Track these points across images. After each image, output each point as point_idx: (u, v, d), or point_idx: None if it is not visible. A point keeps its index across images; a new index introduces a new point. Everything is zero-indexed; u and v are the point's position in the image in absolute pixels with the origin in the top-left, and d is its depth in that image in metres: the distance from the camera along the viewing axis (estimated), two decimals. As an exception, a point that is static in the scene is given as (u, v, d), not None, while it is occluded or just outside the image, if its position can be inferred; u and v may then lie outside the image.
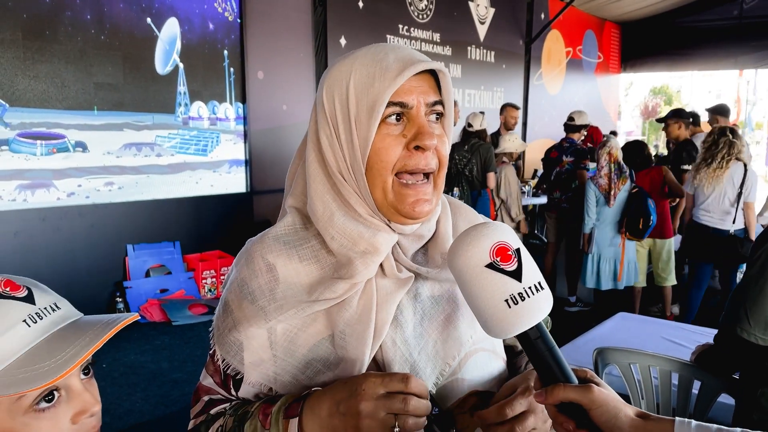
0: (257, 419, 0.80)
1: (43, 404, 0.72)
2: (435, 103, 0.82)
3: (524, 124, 9.90)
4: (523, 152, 7.00)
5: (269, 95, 5.80)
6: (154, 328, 4.55)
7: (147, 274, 4.92)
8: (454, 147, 5.08)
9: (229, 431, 0.84)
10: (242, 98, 5.59)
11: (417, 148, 0.80)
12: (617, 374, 1.90)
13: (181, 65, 5.11)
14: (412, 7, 7.49)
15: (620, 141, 5.20)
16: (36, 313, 0.73)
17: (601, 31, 11.65)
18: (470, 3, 8.50)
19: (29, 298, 0.73)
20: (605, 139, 4.55)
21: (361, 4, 6.75)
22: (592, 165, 5.48)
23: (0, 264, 4.00)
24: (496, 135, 5.62)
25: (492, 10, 8.92)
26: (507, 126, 5.87)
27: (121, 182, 4.81)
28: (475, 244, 0.72)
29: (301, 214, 0.90)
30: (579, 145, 5.36)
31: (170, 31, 5.02)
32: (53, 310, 0.74)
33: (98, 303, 4.73)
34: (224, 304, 0.90)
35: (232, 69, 5.49)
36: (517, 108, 5.96)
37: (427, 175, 0.83)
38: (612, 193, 4.31)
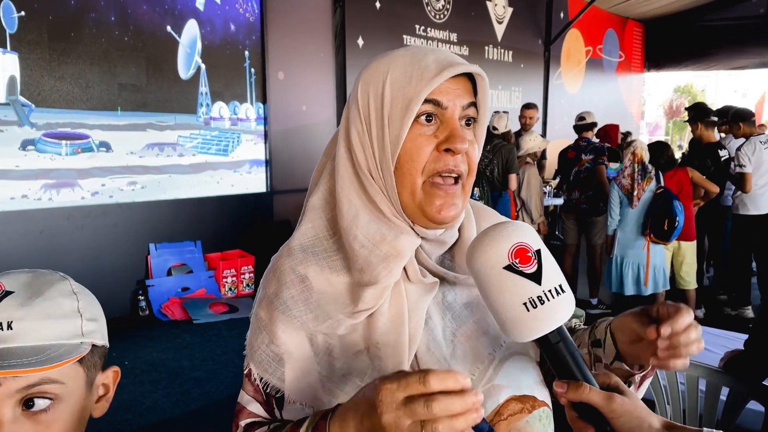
0: None
1: None
2: (470, 105, 0.81)
3: (544, 124, 9.83)
4: (545, 151, 6.96)
5: (289, 96, 5.83)
6: (175, 326, 4.60)
7: (169, 273, 4.97)
8: (476, 147, 5.08)
9: None
10: (263, 99, 5.63)
11: (447, 150, 0.79)
12: (642, 379, 1.87)
13: (203, 66, 5.16)
14: (429, 8, 7.47)
15: (643, 139, 5.11)
16: None
17: (623, 30, 11.51)
18: (488, 3, 8.46)
19: None
20: (630, 138, 4.48)
21: (378, 4, 6.76)
22: (614, 165, 5.42)
23: (25, 262, 4.08)
24: (516, 135, 5.59)
25: (510, 10, 8.87)
26: (525, 126, 5.83)
27: (143, 182, 4.87)
28: (493, 244, 0.70)
29: (324, 218, 0.88)
30: (597, 143, 5.32)
31: (191, 33, 5.06)
32: (0, 328, 0.70)
33: (121, 301, 4.79)
34: (256, 320, 0.88)
35: (252, 70, 5.53)
36: (535, 108, 5.91)
37: (456, 179, 0.82)
38: (635, 194, 4.24)
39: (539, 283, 0.68)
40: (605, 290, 4.91)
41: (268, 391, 0.86)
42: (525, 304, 0.67)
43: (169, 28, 4.90)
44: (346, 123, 0.85)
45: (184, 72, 5.05)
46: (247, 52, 5.47)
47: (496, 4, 8.58)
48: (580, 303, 5.17)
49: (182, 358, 3.96)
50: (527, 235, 0.72)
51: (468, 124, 0.83)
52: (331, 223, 0.87)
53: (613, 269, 4.39)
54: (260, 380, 0.86)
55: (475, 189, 4.82)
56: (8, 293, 0.72)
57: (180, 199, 5.11)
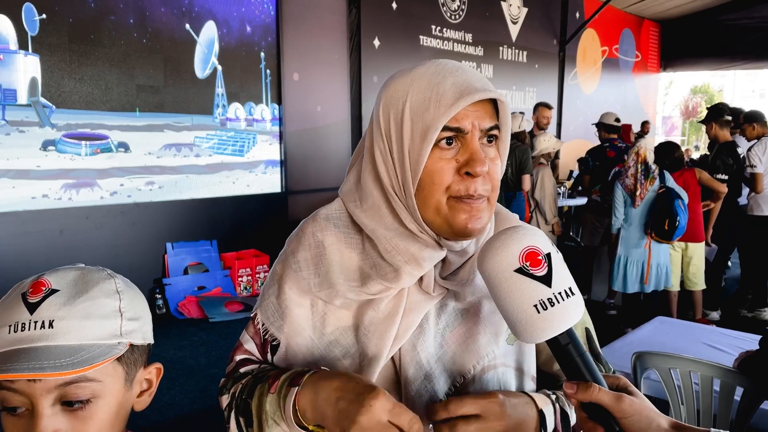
0: (267, 383, 0.83)
1: (7, 411, 0.74)
2: (491, 128, 0.82)
3: (559, 125, 9.79)
4: (558, 152, 6.92)
5: (304, 97, 5.87)
6: (192, 324, 4.65)
7: (185, 272, 5.03)
8: (490, 147, 5.06)
9: (247, 389, 0.87)
10: (278, 100, 5.67)
11: (468, 174, 0.80)
12: (656, 379, 1.87)
13: (219, 67, 5.22)
14: (444, 8, 7.48)
15: (658, 141, 5.04)
16: (21, 324, 0.73)
17: (639, 30, 11.43)
18: (503, 3, 8.44)
19: (32, 307, 0.74)
20: (637, 139, 4.45)
21: (394, 5, 6.78)
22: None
23: (46, 261, 4.15)
24: (530, 135, 5.56)
25: (525, 10, 8.85)
26: (540, 126, 5.81)
27: (161, 182, 4.94)
28: (504, 248, 0.72)
29: (351, 205, 0.91)
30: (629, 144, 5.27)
31: (208, 35, 5.12)
32: (42, 326, 0.73)
33: (138, 299, 4.85)
34: (272, 273, 0.94)
35: (268, 71, 5.57)
36: (549, 107, 5.87)
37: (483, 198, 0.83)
38: (638, 193, 4.23)
39: (549, 285, 0.70)
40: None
41: (266, 337, 0.92)
42: (536, 306, 0.69)
43: (188, 26, 4.96)
44: (371, 139, 0.86)
45: (201, 71, 5.11)
46: (262, 54, 5.52)
47: (510, 5, 8.56)
48: (597, 305, 5.15)
49: (199, 356, 4.01)
50: (537, 238, 0.73)
51: (490, 141, 0.83)
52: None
53: (617, 268, 4.39)
54: (262, 326, 0.92)
55: (489, 189, 4.83)
56: (54, 291, 0.75)
57: (196, 198, 5.17)
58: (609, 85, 10.89)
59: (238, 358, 0.96)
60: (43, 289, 0.75)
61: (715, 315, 5.03)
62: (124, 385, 0.80)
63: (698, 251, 4.49)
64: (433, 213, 0.82)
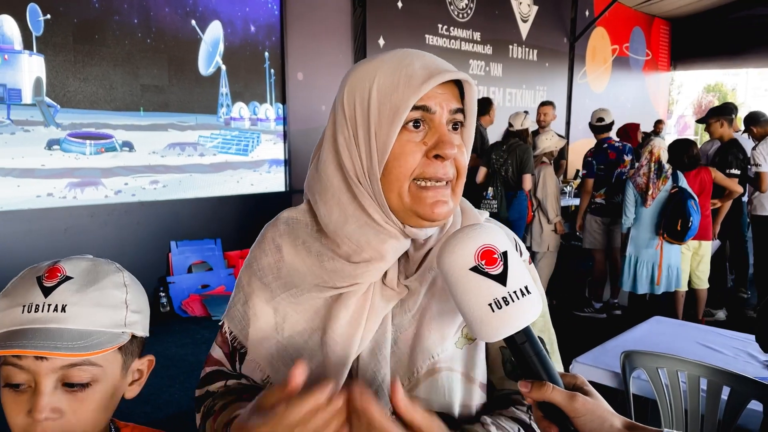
0: (212, 419, 0.87)
1: (9, 387, 0.78)
2: (457, 111, 0.82)
3: (567, 123, 9.73)
4: (565, 151, 6.87)
5: (308, 96, 5.88)
6: (194, 322, 4.69)
7: (189, 270, 5.07)
8: (493, 146, 5.02)
9: (204, 416, 0.90)
10: (282, 99, 5.70)
11: (437, 156, 0.79)
12: (645, 378, 1.86)
13: (223, 67, 5.25)
14: (452, 7, 7.46)
15: (671, 139, 4.96)
16: (35, 306, 0.77)
17: (650, 28, 11.33)
18: (512, 1, 8.41)
19: (47, 291, 0.78)
20: (649, 137, 4.39)
21: (400, 4, 6.77)
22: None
23: (50, 259, 4.19)
24: (534, 134, 5.52)
25: (535, 8, 8.81)
26: (540, 124, 5.76)
27: (165, 181, 4.98)
28: (460, 246, 0.71)
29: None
30: (629, 143, 5.20)
31: (213, 34, 5.15)
32: (55, 309, 0.77)
33: (143, 297, 4.90)
34: (238, 281, 0.95)
35: (272, 70, 5.60)
36: (549, 105, 5.83)
37: (446, 182, 0.83)
38: (650, 193, 4.19)
39: (504, 284, 0.69)
40: (622, 292, 4.86)
41: (234, 345, 0.93)
42: (490, 304, 0.69)
43: (193, 22, 4.99)
44: (333, 129, 0.85)
45: (204, 69, 5.14)
46: (267, 53, 5.54)
47: (520, 3, 8.52)
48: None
49: (200, 354, 4.03)
50: (495, 237, 0.72)
51: (455, 128, 0.83)
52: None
53: (626, 268, 4.34)
54: (229, 334, 0.93)
55: (489, 188, 4.79)
56: (68, 278, 0.80)
57: (200, 198, 5.20)
58: (619, 84, 10.80)
59: (208, 369, 0.97)
60: (59, 275, 0.80)
61: (721, 314, 4.97)
62: (121, 372, 0.85)
63: (709, 250, 4.46)
64: (397, 198, 0.81)
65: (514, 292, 0.69)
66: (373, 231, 0.82)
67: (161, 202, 4.96)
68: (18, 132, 4.16)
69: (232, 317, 0.93)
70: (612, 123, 5.03)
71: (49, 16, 4.20)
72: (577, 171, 8.00)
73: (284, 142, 5.77)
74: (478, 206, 4.39)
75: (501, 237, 0.73)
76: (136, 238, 4.82)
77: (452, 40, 7.52)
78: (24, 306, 0.77)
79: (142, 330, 0.87)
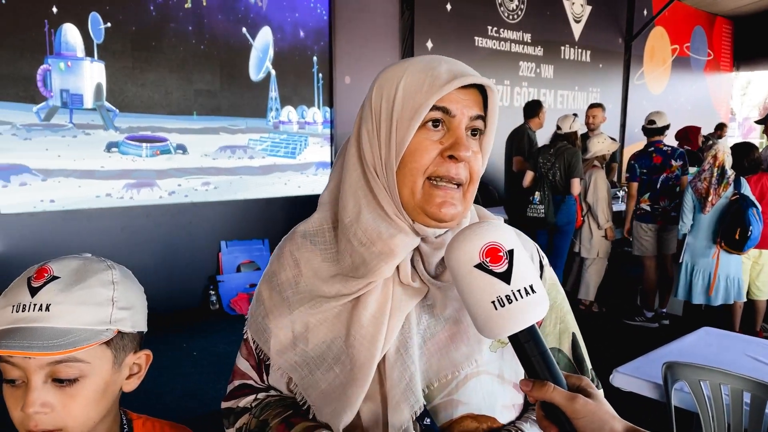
0: None
1: (7, 382, 0.82)
2: (477, 117, 0.83)
3: (623, 126, 9.46)
4: (618, 154, 6.66)
5: (355, 99, 5.94)
6: (242, 321, 4.74)
7: (238, 270, 5.20)
8: (540, 150, 4.93)
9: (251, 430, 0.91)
10: (329, 103, 5.78)
11: (451, 157, 0.81)
12: (687, 391, 1.79)
13: (273, 72, 5.37)
14: (502, 8, 7.39)
15: (733, 142, 4.73)
16: (22, 305, 0.80)
17: (711, 27, 10.88)
18: (565, 2, 8.25)
19: (34, 291, 0.82)
20: (712, 141, 4.22)
21: (449, 6, 6.76)
22: (692, 169, 5.11)
23: (107, 257, 4.38)
24: (585, 137, 5.39)
25: (588, 8, 8.61)
26: (590, 127, 5.61)
27: (216, 182, 5.13)
28: (466, 243, 0.72)
29: (331, 211, 0.93)
30: (682, 148, 5.00)
31: (263, 40, 5.28)
32: (40, 309, 0.79)
33: (194, 295, 5.07)
34: (258, 294, 0.97)
35: (320, 74, 5.69)
36: (599, 107, 5.67)
37: (457, 185, 0.84)
38: (710, 199, 4.02)
39: (508, 282, 0.69)
40: (675, 302, 4.68)
41: (260, 356, 0.95)
42: (493, 302, 0.69)
43: (244, 30, 5.13)
44: (359, 123, 0.88)
45: (255, 74, 5.27)
46: (315, 58, 5.63)
47: (573, 3, 8.36)
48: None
49: (246, 351, 4.13)
50: (501, 235, 0.73)
51: (474, 135, 0.85)
52: (336, 216, 0.92)
53: (682, 276, 4.18)
54: (254, 344, 0.95)
55: (536, 193, 4.70)
56: (55, 278, 0.83)
57: (250, 199, 5.34)
58: (679, 85, 10.42)
59: (237, 382, 1.00)
60: (45, 275, 0.83)
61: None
62: (112, 367, 0.87)
63: None
64: (409, 194, 0.82)
65: (518, 290, 0.69)
66: (385, 224, 0.84)
67: (212, 203, 5.12)
68: (79, 135, 4.38)
69: (255, 329, 0.94)
70: (665, 127, 4.83)
71: (109, 24, 4.41)
72: (625, 176, 7.77)
73: (331, 145, 5.85)
74: (524, 211, 4.28)
75: (508, 235, 0.74)
76: (188, 237, 4.98)
77: (502, 42, 7.44)
78: (13, 306, 0.81)
79: (131, 326, 0.88)
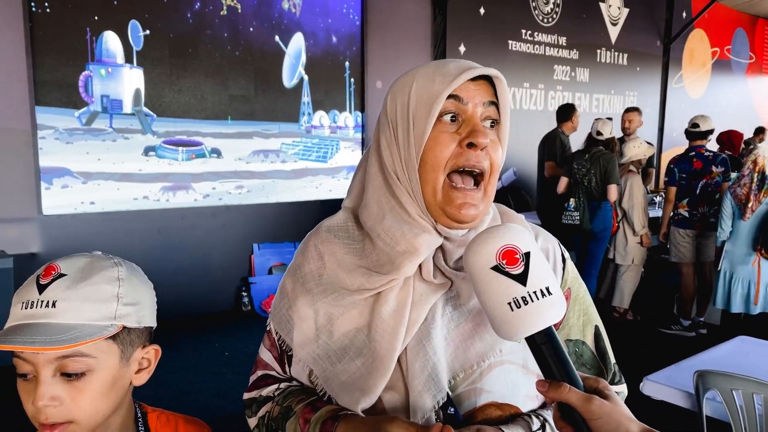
0: (298, 424, 0.89)
1: (20, 376, 0.85)
2: (490, 104, 0.85)
3: (660, 130, 9.26)
4: (656, 159, 6.52)
5: (387, 104, 5.97)
6: (273, 322, 4.86)
7: (269, 272, 5.27)
8: (574, 155, 4.85)
9: (274, 419, 0.93)
10: (361, 107, 5.82)
11: (470, 145, 0.83)
12: (720, 400, 1.75)
13: (305, 77, 5.44)
14: (536, 11, 7.32)
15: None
16: (31, 302, 0.83)
17: (753, 29, 10.57)
18: (601, 4, 8.13)
19: (41, 288, 0.84)
20: (752, 146, 4.10)
21: (482, 10, 6.73)
22: (733, 175, 4.97)
23: (144, 257, 4.51)
24: (620, 142, 5.28)
25: (626, 11, 8.47)
26: (626, 131, 5.50)
27: (249, 186, 5.22)
28: (484, 245, 0.73)
29: (354, 214, 0.96)
30: (723, 153, 4.85)
31: (296, 46, 5.36)
32: (46, 305, 0.82)
33: (227, 296, 5.16)
34: (282, 286, 1.00)
35: (352, 79, 5.74)
36: (635, 111, 5.55)
37: (477, 183, 0.85)
38: (750, 205, 3.91)
39: (524, 284, 0.70)
40: (712, 310, 4.54)
41: (283, 347, 0.97)
42: (509, 304, 0.70)
43: (277, 38, 5.22)
44: (377, 134, 0.92)
45: (288, 81, 5.35)
46: (347, 63, 5.69)
47: (610, 5, 8.23)
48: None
49: (276, 353, 4.18)
50: (518, 237, 0.74)
51: (492, 126, 0.87)
52: (359, 220, 0.94)
53: (721, 284, 4.06)
54: (276, 335, 0.97)
55: (571, 199, 4.63)
56: (62, 275, 0.85)
57: (282, 202, 5.41)
58: (719, 89, 10.15)
59: (259, 373, 1.02)
60: (53, 272, 0.85)
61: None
62: (120, 362, 0.89)
63: None
64: (431, 193, 0.85)
65: (534, 292, 0.70)
66: (408, 225, 0.86)
67: (245, 206, 5.21)
68: (119, 139, 4.52)
69: (278, 321, 0.97)
70: (709, 131, 4.71)
71: (148, 31, 4.54)
72: (663, 181, 7.59)
73: (362, 149, 5.90)
74: (558, 217, 4.19)
75: (525, 238, 0.74)
76: (221, 239, 5.08)
77: (536, 46, 7.38)
78: (23, 303, 0.84)
79: (137, 322, 0.89)
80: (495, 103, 0.86)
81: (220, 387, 3.65)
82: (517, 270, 0.71)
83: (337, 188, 5.75)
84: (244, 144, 5.16)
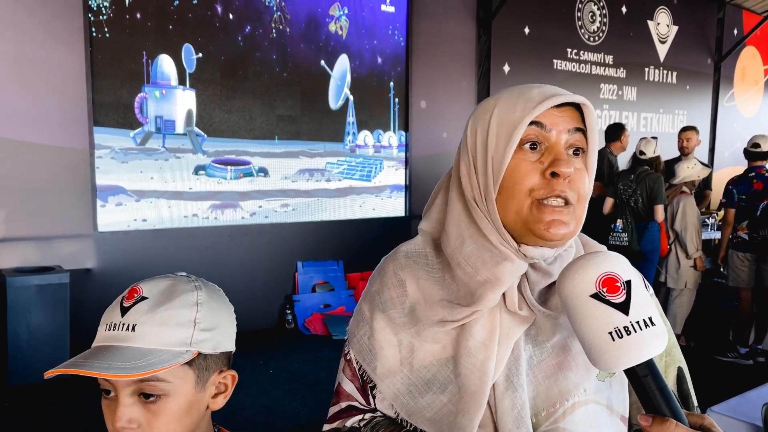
0: None
1: (103, 392, 0.86)
2: (576, 130, 0.81)
3: (711, 150, 8.99)
4: (709, 180, 6.31)
5: (430, 123, 5.99)
6: (316, 340, 4.88)
7: (313, 290, 5.31)
8: (619, 175, 4.76)
9: None
10: (405, 127, 5.85)
11: (553, 174, 0.79)
12: (792, 436, 1.65)
13: (351, 97, 5.51)
14: (582, 30, 7.25)
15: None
16: (114, 324, 0.84)
17: (810, 45, 10.20)
18: (649, 22, 8.00)
19: (124, 311, 0.85)
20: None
21: (527, 30, 6.71)
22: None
23: (191, 273, 4.61)
24: (675, 162, 5.14)
25: (675, 28, 8.31)
26: (683, 151, 5.36)
27: (294, 204, 5.29)
28: (582, 272, 0.70)
29: (432, 239, 0.93)
30: None
31: (341, 68, 5.44)
32: (127, 329, 0.83)
33: (271, 314, 5.21)
34: (359, 313, 0.96)
35: (396, 99, 5.78)
36: (693, 129, 5.41)
37: (566, 203, 0.80)
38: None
39: (626, 313, 0.67)
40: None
41: (365, 378, 0.93)
42: (610, 333, 0.67)
43: (323, 62, 5.31)
44: (457, 162, 0.89)
45: (334, 102, 5.43)
46: (392, 83, 5.73)
47: (658, 23, 8.10)
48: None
49: (320, 371, 4.19)
50: (618, 265, 0.71)
51: (576, 154, 0.82)
52: (437, 243, 0.92)
53: None
54: (357, 365, 0.93)
55: (618, 220, 4.53)
56: (143, 298, 0.86)
57: (326, 221, 5.46)
58: (774, 107, 9.81)
59: (343, 404, 0.97)
60: (135, 295, 0.86)
61: None
62: (195, 387, 0.88)
63: None
64: (514, 215, 0.80)
65: (637, 322, 0.67)
66: (489, 253, 0.82)
67: (290, 224, 5.27)
68: (171, 159, 4.65)
69: (359, 349, 0.93)
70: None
71: (200, 54, 4.68)
72: (721, 202, 7.34)
73: (406, 169, 5.91)
74: (605, 239, 4.09)
75: (624, 266, 0.71)
76: (267, 257, 5.15)
77: (582, 64, 7.30)
78: (107, 324, 0.85)
79: (212, 348, 0.88)
80: (581, 130, 0.82)
81: (266, 404, 3.67)
82: (619, 298, 0.68)
83: (380, 207, 5.77)
84: (290, 163, 5.24)
